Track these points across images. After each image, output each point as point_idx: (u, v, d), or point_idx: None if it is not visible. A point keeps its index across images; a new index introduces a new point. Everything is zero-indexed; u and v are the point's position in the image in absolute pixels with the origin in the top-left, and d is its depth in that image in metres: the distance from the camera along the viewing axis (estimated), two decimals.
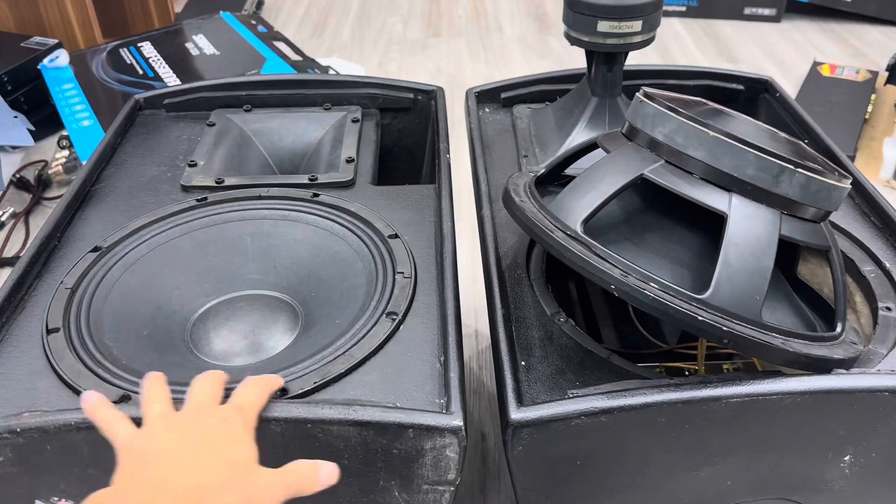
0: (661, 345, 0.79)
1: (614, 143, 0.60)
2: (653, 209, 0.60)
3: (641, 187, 0.59)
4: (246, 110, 0.92)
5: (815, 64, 1.96)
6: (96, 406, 0.49)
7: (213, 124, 0.89)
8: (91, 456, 0.52)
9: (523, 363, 0.57)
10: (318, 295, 0.70)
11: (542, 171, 0.67)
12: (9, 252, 1.35)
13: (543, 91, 0.92)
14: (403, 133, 0.98)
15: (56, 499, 0.54)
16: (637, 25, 0.76)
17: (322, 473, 0.47)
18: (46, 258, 0.70)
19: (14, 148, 1.39)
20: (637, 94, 0.60)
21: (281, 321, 0.69)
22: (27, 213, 1.44)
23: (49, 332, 0.60)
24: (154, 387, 0.51)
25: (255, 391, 0.51)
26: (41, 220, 1.44)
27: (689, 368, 0.75)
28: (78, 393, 0.55)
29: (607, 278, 0.51)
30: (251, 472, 0.45)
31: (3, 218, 1.39)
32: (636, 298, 0.50)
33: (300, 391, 0.55)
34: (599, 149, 0.64)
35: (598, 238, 0.54)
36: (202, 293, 0.71)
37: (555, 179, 0.69)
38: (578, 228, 0.54)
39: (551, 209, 0.57)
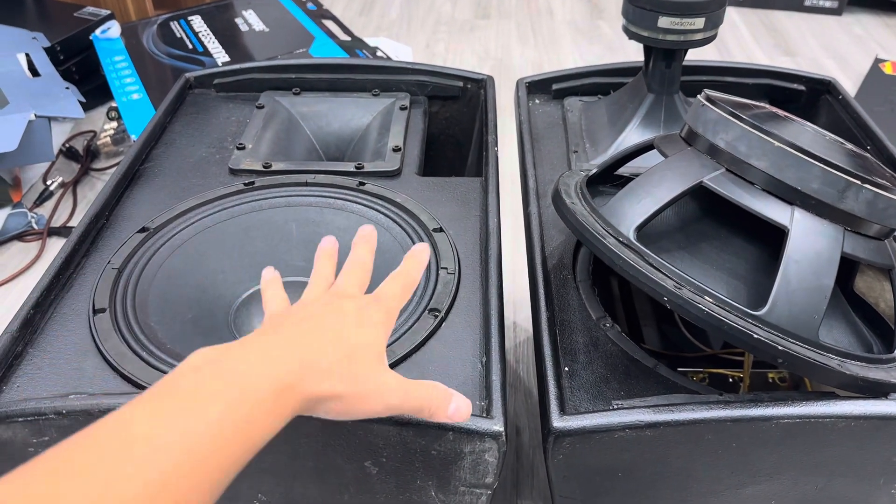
0: (706, 349, 0.78)
1: (672, 147, 0.58)
2: (709, 218, 0.58)
3: (699, 195, 0.57)
4: (295, 93, 0.92)
5: (877, 61, 1.89)
6: (268, 282, 0.52)
7: (262, 106, 0.89)
8: None
9: (567, 369, 0.56)
10: None
11: (595, 170, 0.65)
12: (56, 221, 1.38)
13: (596, 84, 0.90)
14: (450, 121, 0.96)
15: None
16: (699, 23, 0.73)
17: (452, 407, 0.45)
18: (94, 237, 0.70)
19: (64, 118, 1.41)
20: (698, 96, 0.58)
21: None
22: (75, 183, 1.46)
23: (95, 312, 0.61)
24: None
25: (398, 284, 0.50)
26: (88, 191, 1.46)
27: (733, 375, 0.73)
28: (122, 375, 0.55)
29: (660, 290, 0.49)
30: (371, 363, 0.43)
31: (52, 187, 1.42)
32: (690, 312, 0.48)
33: None
34: (655, 150, 0.62)
35: (650, 246, 0.53)
36: (246, 278, 0.71)
37: (607, 180, 0.67)
38: (631, 235, 0.53)
39: (604, 213, 0.55)
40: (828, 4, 2.26)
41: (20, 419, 0.51)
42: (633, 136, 0.78)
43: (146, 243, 0.69)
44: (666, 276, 0.50)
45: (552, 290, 0.63)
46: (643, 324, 0.83)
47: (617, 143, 0.78)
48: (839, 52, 2.06)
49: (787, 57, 2.03)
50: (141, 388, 0.54)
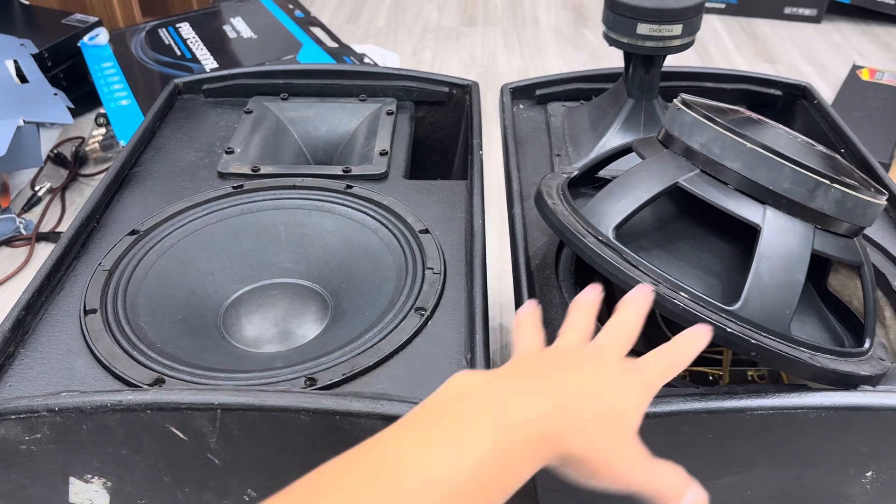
0: None
1: (650, 149, 0.60)
2: (686, 218, 0.60)
3: (675, 195, 0.59)
4: (283, 98, 0.93)
5: (855, 67, 1.93)
6: (525, 315, 0.48)
7: (251, 111, 0.90)
8: (125, 437, 0.54)
9: None
10: (348, 286, 0.71)
11: (576, 173, 0.67)
12: (45, 227, 1.38)
13: (579, 89, 0.92)
14: (436, 126, 0.98)
15: (90, 476, 0.56)
16: (677, 29, 0.75)
17: (691, 496, 0.41)
18: (85, 239, 0.71)
19: (52, 124, 1.42)
20: (674, 100, 0.60)
21: (311, 311, 0.70)
22: (63, 188, 1.47)
23: (87, 312, 0.62)
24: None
25: (665, 359, 0.45)
26: (77, 196, 1.46)
27: (713, 373, 0.75)
28: (114, 374, 0.56)
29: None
30: (625, 432, 0.40)
31: (41, 193, 1.42)
32: (666, 308, 0.50)
33: (329, 382, 0.56)
34: (634, 153, 0.64)
35: (629, 244, 0.54)
36: (235, 280, 0.72)
37: (588, 182, 0.69)
38: (610, 234, 0.54)
39: (584, 213, 0.57)
40: (807, 12, 2.30)
41: (13, 416, 0.52)
42: (613, 139, 0.80)
43: (136, 245, 0.70)
44: (643, 273, 0.52)
45: (536, 289, 0.65)
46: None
47: (598, 147, 0.80)
48: (818, 58, 2.09)
49: (768, 64, 2.07)
50: (131, 385, 0.55)
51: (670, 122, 0.59)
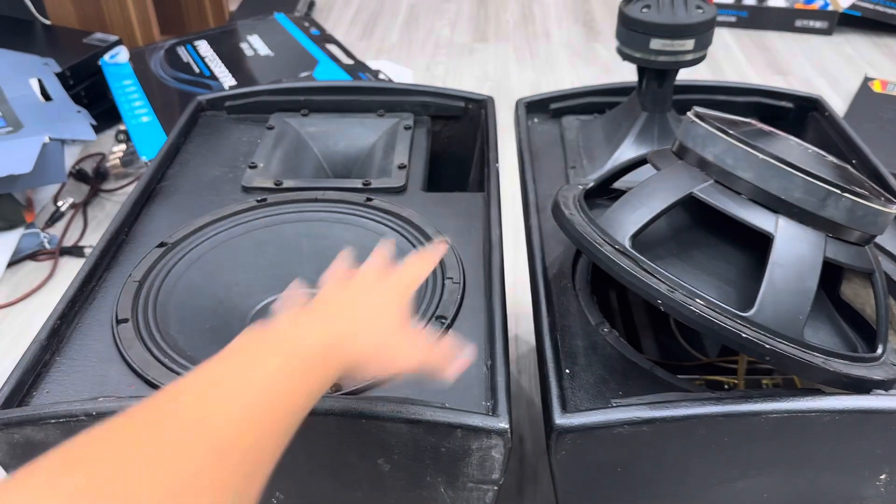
0: (702, 357, 0.81)
1: (664, 161, 0.61)
2: (700, 227, 0.61)
3: (690, 205, 0.61)
4: (303, 114, 0.96)
5: (867, 79, 1.94)
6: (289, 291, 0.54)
7: (272, 127, 0.93)
8: None
9: (567, 371, 0.60)
10: None
11: (592, 184, 0.69)
12: (67, 241, 1.41)
13: (592, 103, 0.94)
14: (453, 140, 1.00)
15: None
16: (689, 44, 0.77)
17: (454, 364, 0.50)
18: (115, 251, 0.74)
19: (74, 141, 1.45)
20: (688, 113, 0.62)
21: None
22: (85, 204, 1.50)
23: (119, 322, 0.64)
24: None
25: (418, 260, 0.55)
26: (98, 211, 1.50)
27: (728, 382, 0.76)
28: (146, 381, 0.58)
29: (654, 293, 0.52)
30: (394, 325, 0.49)
31: (63, 208, 1.45)
32: (682, 314, 0.52)
33: (353, 387, 0.57)
34: (649, 165, 0.65)
35: (645, 253, 0.56)
36: (260, 290, 0.74)
37: (604, 193, 0.70)
38: (627, 243, 0.56)
39: (600, 223, 0.59)
40: (818, 25, 2.32)
41: (52, 421, 0.54)
42: (627, 151, 0.82)
43: (165, 257, 0.72)
44: (660, 280, 0.53)
45: (553, 298, 0.67)
46: (642, 334, 0.86)
47: (613, 159, 0.82)
48: (830, 71, 2.11)
49: (779, 76, 2.08)
50: None
51: (684, 134, 0.61)
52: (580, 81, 2.05)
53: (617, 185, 0.72)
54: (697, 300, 0.53)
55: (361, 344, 0.46)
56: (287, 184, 0.82)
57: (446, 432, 0.54)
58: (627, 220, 0.57)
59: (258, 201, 0.79)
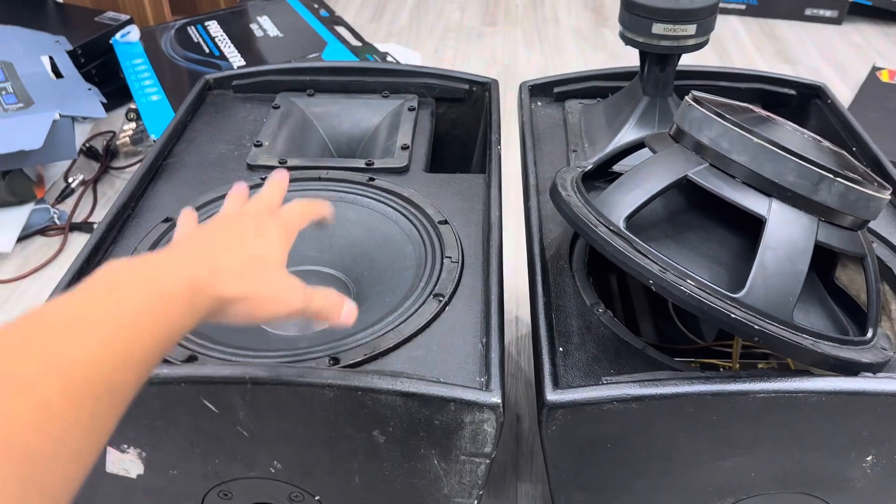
0: (698, 341, 0.82)
1: (661, 144, 0.62)
2: (694, 209, 0.62)
3: (685, 188, 0.62)
4: (309, 94, 0.97)
5: (875, 69, 1.93)
6: (183, 215, 0.54)
7: (278, 107, 0.94)
8: (160, 409, 0.57)
9: (561, 349, 0.61)
10: (369, 274, 0.74)
11: (590, 167, 0.70)
12: (77, 217, 1.43)
13: (595, 87, 0.95)
14: (457, 122, 1.01)
15: (126, 446, 0.60)
16: (691, 29, 0.77)
17: (344, 311, 0.50)
18: (122, 226, 0.75)
19: (85, 118, 1.47)
20: (686, 97, 0.63)
21: None
22: (95, 181, 1.52)
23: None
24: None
25: (299, 207, 0.54)
26: (108, 188, 1.51)
27: (723, 365, 0.77)
28: None
29: (646, 273, 0.53)
30: (272, 268, 0.47)
31: (74, 185, 1.47)
32: (673, 294, 0.53)
33: (352, 362, 0.59)
34: (646, 148, 0.66)
35: (639, 234, 0.57)
36: None
37: (602, 176, 0.71)
38: (621, 224, 0.57)
39: (596, 204, 0.60)
40: (828, 14, 2.30)
41: None
42: (628, 136, 0.82)
43: (170, 232, 0.73)
44: (652, 261, 0.54)
45: (549, 278, 0.68)
46: (640, 318, 0.87)
47: (613, 143, 0.83)
48: (838, 60, 2.10)
49: (787, 64, 2.07)
50: (167, 363, 0.59)
51: (681, 117, 0.61)
52: (588, 67, 2.04)
53: (616, 168, 0.73)
54: (689, 281, 0.54)
55: (234, 284, 0.44)
56: (291, 162, 0.83)
57: (440, 405, 0.55)
58: (622, 201, 0.58)
59: (262, 179, 0.80)
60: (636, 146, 0.68)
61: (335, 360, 0.59)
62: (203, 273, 0.43)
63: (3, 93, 1.36)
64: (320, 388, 0.55)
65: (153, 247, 0.71)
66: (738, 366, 0.75)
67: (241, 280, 0.45)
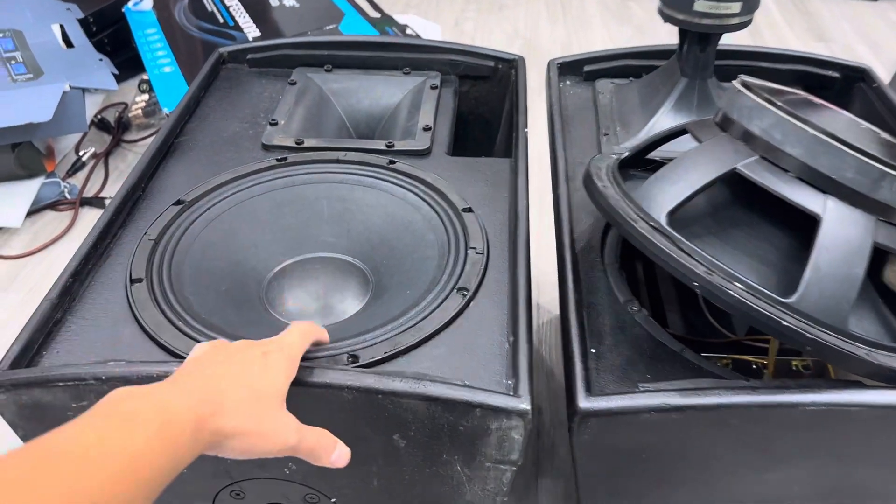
0: (730, 335, 0.78)
1: (706, 132, 0.58)
2: (741, 204, 0.58)
3: (731, 181, 0.57)
4: (326, 70, 0.93)
5: None
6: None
7: (295, 83, 0.90)
8: None
9: (594, 350, 0.57)
10: (389, 263, 0.70)
11: (626, 154, 0.66)
12: (88, 191, 1.40)
13: (629, 66, 0.90)
14: (480, 101, 0.97)
15: None
16: (735, 7, 0.72)
17: (335, 454, 0.49)
18: (131, 208, 0.72)
19: (96, 90, 1.43)
20: (734, 82, 0.58)
21: (352, 286, 0.70)
22: (107, 154, 1.48)
23: (133, 281, 0.62)
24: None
25: (298, 332, 0.53)
26: (120, 162, 1.48)
27: (756, 362, 0.73)
28: (159, 344, 0.57)
29: (691, 275, 0.50)
30: (272, 404, 0.47)
31: (85, 158, 1.44)
32: (720, 298, 0.49)
33: (371, 360, 0.56)
34: (688, 136, 0.62)
35: (681, 231, 0.53)
36: (278, 252, 0.72)
37: (639, 163, 0.67)
38: (663, 220, 0.53)
39: (635, 197, 0.56)
40: None
41: (60, 384, 0.53)
42: (664, 119, 0.78)
43: (181, 216, 0.70)
44: (697, 261, 0.50)
45: (580, 273, 0.64)
46: (668, 309, 0.83)
47: (648, 127, 0.78)
48: (873, 38, 2.02)
49: (821, 42, 2.00)
50: (177, 356, 0.56)
51: (729, 104, 0.57)
52: (613, 42, 1.98)
53: (652, 155, 0.69)
54: (736, 284, 0.50)
55: (234, 420, 0.44)
56: (308, 143, 0.80)
57: (465, 411, 0.52)
58: (665, 194, 0.54)
59: (278, 160, 0.77)
60: (676, 133, 0.64)
61: (354, 358, 0.56)
62: (207, 407, 0.43)
63: (13, 62, 1.32)
64: (339, 390, 0.52)
65: (164, 231, 0.68)
66: (773, 365, 0.72)
67: (241, 416, 0.44)
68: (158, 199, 0.73)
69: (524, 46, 1.97)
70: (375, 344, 0.57)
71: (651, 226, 0.53)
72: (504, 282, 0.63)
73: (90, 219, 1.32)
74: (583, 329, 0.58)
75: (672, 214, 0.53)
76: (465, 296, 0.61)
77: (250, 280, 0.69)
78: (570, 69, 0.92)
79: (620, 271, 0.65)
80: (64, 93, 1.24)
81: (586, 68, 0.91)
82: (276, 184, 0.75)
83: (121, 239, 0.69)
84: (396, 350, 0.56)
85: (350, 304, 0.68)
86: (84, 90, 1.29)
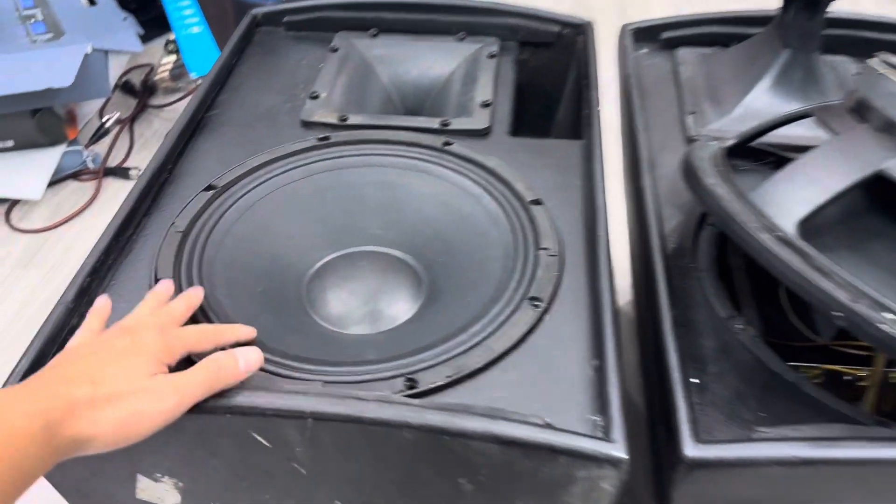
0: (815, 338, 0.68)
1: (840, 122, 0.48)
2: (880, 211, 0.48)
3: (870, 183, 0.47)
4: (372, 35, 0.83)
5: None
6: (92, 311, 0.50)
7: (337, 49, 0.81)
8: (200, 438, 0.47)
9: (695, 381, 0.48)
10: (445, 262, 0.62)
11: (731, 141, 0.56)
12: (113, 161, 1.32)
13: (715, 34, 0.79)
14: (540, 72, 0.87)
15: (160, 475, 0.50)
16: None
17: (242, 365, 0.45)
18: (157, 193, 0.64)
19: (119, 51, 1.35)
20: (871, 61, 0.48)
21: (403, 287, 0.62)
22: (132, 119, 1.40)
23: (158, 282, 0.55)
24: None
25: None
26: (145, 128, 1.40)
27: (850, 373, 0.64)
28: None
29: (832, 303, 0.40)
30: (134, 382, 0.42)
31: (109, 124, 1.36)
32: (868, 332, 0.40)
33: (431, 386, 0.47)
34: (809, 122, 0.52)
35: (810, 242, 0.43)
36: (320, 245, 0.64)
37: (745, 153, 0.57)
38: (793, 231, 0.44)
39: (755, 200, 0.46)
40: None
41: None
42: (763, 97, 0.68)
43: (213, 204, 0.62)
44: (838, 285, 0.41)
45: (674, 283, 0.55)
46: (742, 302, 0.74)
47: (744, 105, 0.68)
48: None
49: None
50: None
51: (869, 88, 0.47)
52: (673, 6, 1.84)
53: (759, 142, 0.59)
54: (886, 314, 0.40)
55: (90, 419, 0.39)
56: (353, 120, 0.71)
57: (547, 457, 0.43)
58: (794, 199, 0.45)
59: (319, 140, 0.68)
60: (794, 117, 0.54)
61: (412, 383, 0.48)
62: (57, 411, 0.38)
63: (32, 21, 1.24)
64: (397, 428, 0.44)
65: (193, 222, 0.60)
66: (878, 383, 0.62)
67: (97, 412, 0.39)
68: (187, 183, 0.65)
69: (574, 6, 1.84)
70: (436, 365, 0.49)
71: (778, 238, 0.43)
72: (582, 291, 0.54)
73: (114, 190, 1.25)
74: (683, 354, 0.49)
75: (804, 224, 0.44)
76: (538, 307, 0.53)
77: (289, 278, 0.61)
78: (646, 35, 0.81)
79: (718, 279, 0.56)
80: (85, 56, 1.15)
81: (665, 35, 0.80)
82: (318, 167, 0.66)
83: (145, 230, 0.61)
84: (461, 374, 0.48)
85: (401, 309, 0.60)
86: (106, 52, 1.20)
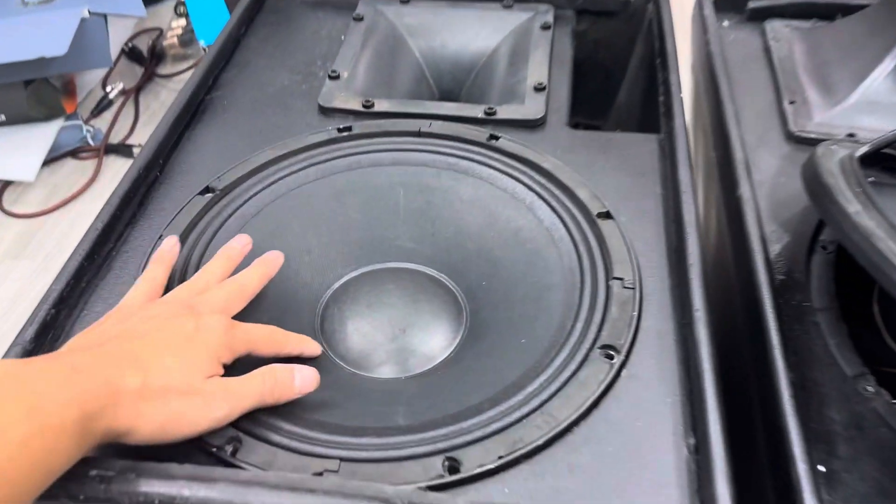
0: None
1: None
2: None
3: None
4: (402, 1, 0.71)
5: None
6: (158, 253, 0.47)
7: (361, 18, 0.69)
8: None
9: (822, 469, 0.37)
10: (490, 286, 0.51)
11: (865, 149, 0.44)
12: (115, 136, 1.22)
13: (814, 3, 0.66)
14: (600, 45, 0.74)
15: None
16: None
17: (297, 382, 0.42)
18: (144, 196, 0.53)
19: (119, 16, 1.23)
20: None
21: (440, 317, 0.51)
22: (138, 90, 1.29)
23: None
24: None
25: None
26: (152, 100, 1.29)
27: None
28: None
29: None
30: (190, 379, 0.38)
31: (112, 95, 1.25)
32: None
33: (479, 469, 0.37)
34: None
35: None
36: (339, 261, 0.54)
37: (880, 159, 0.45)
38: None
39: None
40: None
41: None
42: (886, 84, 0.55)
43: (211, 210, 0.52)
44: None
45: (785, 330, 0.43)
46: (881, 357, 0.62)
47: (859, 93, 0.55)
48: None
49: None
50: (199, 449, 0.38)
51: None
52: None
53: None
54: None
55: (134, 410, 0.36)
56: (380, 105, 0.59)
57: None
58: None
59: (340, 131, 0.57)
60: None
61: (454, 463, 0.37)
62: (98, 400, 0.34)
63: None
64: None
65: (187, 232, 0.49)
66: None
67: (144, 404, 0.36)
68: (181, 183, 0.55)
69: None
70: (482, 439, 0.38)
71: None
72: (670, 337, 0.43)
73: (116, 169, 1.15)
74: (807, 433, 0.38)
75: None
76: (612, 360, 0.41)
77: (301, 302, 0.51)
78: (730, 4, 0.68)
79: (842, 322, 0.44)
80: (82, 21, 1.04)
81: (752, 4, 0.67)
82: (337, 165, 0.56)
83: (127, 243, 0.51)
84: (517, 453, 0.37)
85: (437, 345, 0.49)
86: (107, 17, 1.09)
